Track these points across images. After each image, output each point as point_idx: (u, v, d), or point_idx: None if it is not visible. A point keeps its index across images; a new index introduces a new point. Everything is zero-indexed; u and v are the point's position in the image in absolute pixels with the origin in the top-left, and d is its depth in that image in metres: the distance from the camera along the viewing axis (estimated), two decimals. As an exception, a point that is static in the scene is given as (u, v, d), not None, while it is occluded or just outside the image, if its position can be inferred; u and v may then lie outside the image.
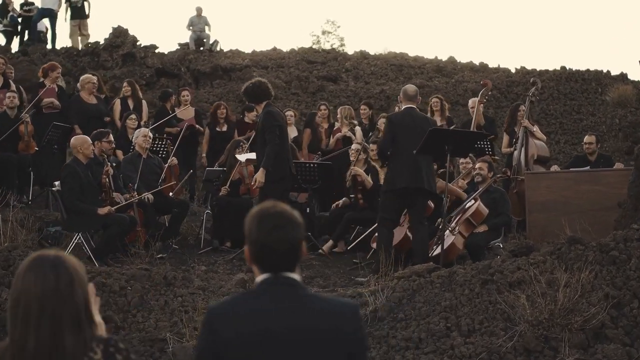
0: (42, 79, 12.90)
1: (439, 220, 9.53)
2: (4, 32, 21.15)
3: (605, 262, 7.34)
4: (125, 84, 13.85)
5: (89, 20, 21.46)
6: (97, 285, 7.90)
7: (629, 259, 7.28)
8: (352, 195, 11.21)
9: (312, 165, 11.25)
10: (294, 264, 3.07)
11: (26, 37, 21.40)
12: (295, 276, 3.08)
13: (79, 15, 21.04)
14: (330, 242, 11.27)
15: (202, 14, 23.18)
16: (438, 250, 9.35)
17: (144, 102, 13.81)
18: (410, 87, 9.90)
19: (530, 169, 11.42)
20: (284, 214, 3.06)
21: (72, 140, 10.15)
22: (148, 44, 22.00)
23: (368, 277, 8.98)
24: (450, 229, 9.66)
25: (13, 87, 12.61)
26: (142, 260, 9.51)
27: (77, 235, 9.80)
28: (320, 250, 10.91)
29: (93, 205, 9.69)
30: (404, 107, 9.75)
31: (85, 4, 21.14)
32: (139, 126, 12.00)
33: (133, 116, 12.31)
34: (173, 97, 14.78)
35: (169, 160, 11.28)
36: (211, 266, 9.98)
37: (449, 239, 9.60)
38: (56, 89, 12.75)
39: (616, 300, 6.95)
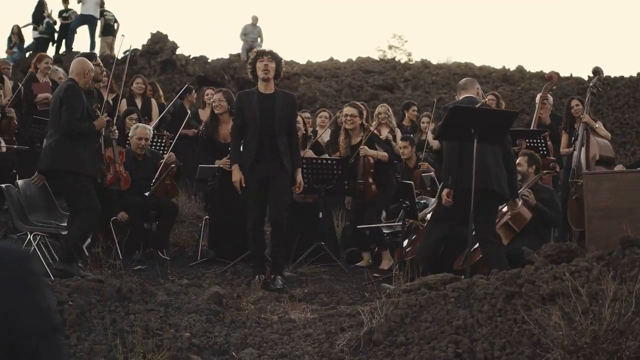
0: (34, 73, 11.53)
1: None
2: (39, 40, 20.18)
3: (670, 270, 5.48)
4: (139, 79, 12.38)
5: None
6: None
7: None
8: (361, 181, 9.51)
9: (326, 162, 9.53)
10: None
11: (63, 47, 20.40)
12: None
13: (110, 32, 20.21)
14: (367, 255, 9.80)
15: (257, 24, 22.25)
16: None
17: (154, 102, 12.31)
18: (464, 79, 8.40)
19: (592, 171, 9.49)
20: None
21: (76, 63, 8.37)
22: (197, 55, 20.84)
23: (396, 285, 7.23)
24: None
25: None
26: (115, 272, 7.96)
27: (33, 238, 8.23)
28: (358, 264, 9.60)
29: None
30: (462, 97, 8.06)
31: (116, 24, 20.68)
32: None
33: (134, 115, 10.76)
34: (194, 94, 13.33)
35: (166, 156, 9.72)
36: (196, 280, 8.34)
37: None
38: (50, 83, 11.33)
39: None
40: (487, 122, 7.40)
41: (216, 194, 9.42)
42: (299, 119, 9.98)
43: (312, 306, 7.47)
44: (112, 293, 6.80)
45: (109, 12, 20.62)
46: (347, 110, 9.73)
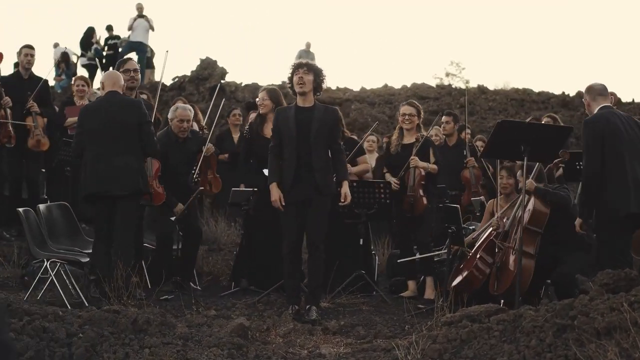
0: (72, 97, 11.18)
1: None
2: (87, 66, 20.05)
3: None
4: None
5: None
6: (35, 331, 5.86)
7: None
8: (411, 194, 8.90)
9: (369, 184, 8.95)
10: None
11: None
12: None
13: (149, 65, 20.06)
14: (412, 284, 9.12)
15: (311, 49, 21.96)
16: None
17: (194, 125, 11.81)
18: (596, 83, 7.51)
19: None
20: None
21: (114, 76, 8.14)
22: (249, 82, 20.55)
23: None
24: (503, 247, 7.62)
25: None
26: (137, 302, 7.45)
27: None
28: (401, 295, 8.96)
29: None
30: (598, 107, 7.31)
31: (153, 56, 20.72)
32: None
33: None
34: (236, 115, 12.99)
35: (204, 148, 9.08)
36: (225, 311, 7.77)
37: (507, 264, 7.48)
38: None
39: None
40: (539, 138, 6.75)
41: (251, 219, 8.85)
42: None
43: (346, 340, 6.86)
44: (127, 324, 6.27)
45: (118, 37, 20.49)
46: (405, 109, 9.19)
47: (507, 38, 49.30)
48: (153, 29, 20.72)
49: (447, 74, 30.21)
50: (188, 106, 9.33)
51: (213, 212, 12.02)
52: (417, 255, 8.92)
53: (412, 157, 8.88)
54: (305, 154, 7.57)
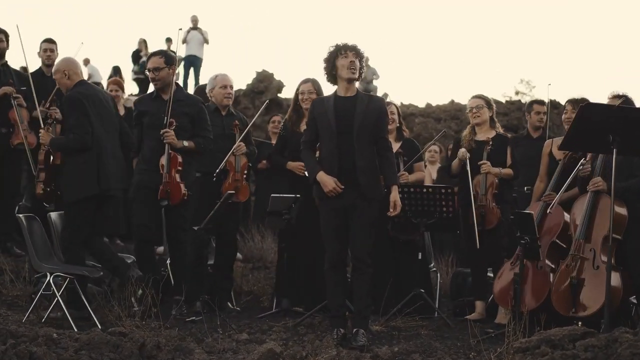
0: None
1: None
2: (137, 80, 19.35)
3: None
4: None
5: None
6: (18, 357, 4.86)
7: None
8: (482, 204, 7.80)
9: (428, 190, 7.82)
10: None
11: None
12: None
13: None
14: (481, 306, 7.94)
15: (371, 64, 20.99)
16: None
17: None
18: None
19: None
20: None
21: None
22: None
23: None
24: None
25: None
26: (158, 323, 6.43)
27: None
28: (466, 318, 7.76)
29: None
30: None
31: None
32: None
33: None
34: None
35: (233, 147, 8.02)
36: (259, 335, 6.68)
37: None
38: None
39: None
40: (633, 126, 5.55)
41: (293, 229, 7.76)
42: (392, 108, 8.31)
43: (395, 367, 5.72)
44: (132, 350, 5.27)
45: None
46: (472, 102, 8.13)
47: (579, 54, 47.76)
48: (208, 42, 20.16)
49: (517, 92, 29.09)
50: (226, 73, 8.39)
51: (259, 226, 10.95)
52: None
53: (483, 162, 7.77)
54: (347, 151, 6.47)
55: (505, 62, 46.92)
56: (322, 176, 6.45)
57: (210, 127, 7.73)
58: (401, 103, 22.39)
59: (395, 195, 6.53)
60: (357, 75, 6.54)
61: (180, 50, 19.97)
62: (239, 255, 9.83)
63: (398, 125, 8.44)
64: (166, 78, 7.57)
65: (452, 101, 23.04)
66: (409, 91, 56.48)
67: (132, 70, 19.68)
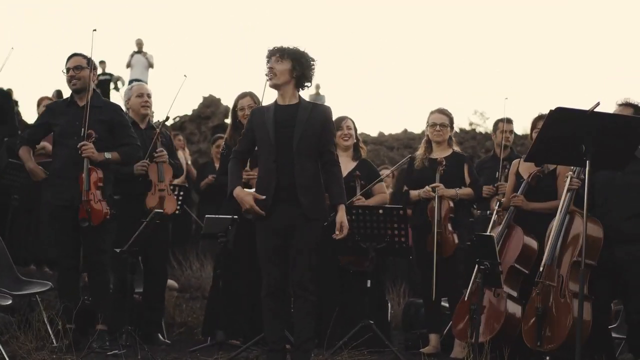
0: None
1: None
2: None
3: None
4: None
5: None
6: None
7: None
8: (439, 230, 7.14)
9: (380, 212, 7.10)
10: None
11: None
12: None
13: None
14: (435, 339, 7.27)
15: (321, 92, 20.55)
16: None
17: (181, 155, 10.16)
18: None
19: None
20: None
21: None
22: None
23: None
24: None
25: None
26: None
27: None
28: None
29: None
30: None
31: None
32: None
33: None
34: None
35: (151, 152, 7.31)
36: (187, 371, 5.93)
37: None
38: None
39: None
40: (609, 135, 4.94)
41: (229, 255, 7.04)
42: (348, 122, 7.62)
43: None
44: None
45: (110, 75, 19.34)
46: (436, 117, 7.49)
47: (528, 88, 47.89)
48: (152, 66, 19.51)
49: (471, 124, 28.88)
50: (142, 82, 7.78)
51: (198, 253, 10.19)
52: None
53: (435, 185, 7.16)
54: (286, 166, 5.75)
55: (460, 93, 46.76)
56: (238, 192, 5.73)
57: (134, 132, 7.01)
58: (314, 61, 22.05)
59: (341, 215, 5.75)
60: (278, 81, 5.81)
61: (124, 74, 19.42)
62: (174, 284, 9.12)
63: (355, 141, 7.74)
64: (86, 79, 6.85)
65: (405, 130, 22.80)
66: (362, 120, 56.23)
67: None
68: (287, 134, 5.73)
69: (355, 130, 7.71)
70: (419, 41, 43.32)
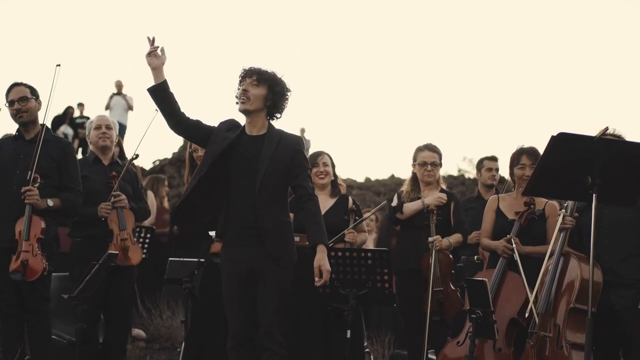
0: None
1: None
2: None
3: None
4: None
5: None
6: None
7: None
8: (440, 289, 6.57)
9: (356, 254, 6.35)
10: None
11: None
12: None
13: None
14: None
15: (306, 136, 20.29)
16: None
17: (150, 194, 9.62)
18: None
19: None
20: None
21: None
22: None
23: None
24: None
25: None
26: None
27: None
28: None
29: None
30: None
31: None
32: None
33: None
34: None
35: (110, 196, 6.64)
36: None
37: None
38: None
39: None
40: (618, 165, 4.34)
41: (197, 303, 6.38)
42: (325, 159, 6.95)
43: None
44: None
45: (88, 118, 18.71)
46: (427, 156, 6.97)
47: (518, 135, 47.74)
48: (132, 109, 19.04)
49: (459, 170, 28.51)
50: (105, 115, 7.32)
51: (169, 301, 9.46)
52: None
53: (434, 238, 6.59)
54: (251, 204, 5.16)
55: (448, 138, 46.40)
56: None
57: (79, 177, 6.38)
58: (287, 85, 21.79)
59: (320, 258, 5.04)
60: (248, 107, 5.20)
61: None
62: (142, 333, 8.41)
63: (333, 178, 7.06)
64: (33, 111, 6.25)
65: (392, 175, 22.69)
66: (348, 165, 55.71)
67: (62, 133, 18.37)
68: (252, 169, 5.14)
69: (334, 166, 7.02)
70: (407, 86, 43.05)
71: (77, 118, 18.87)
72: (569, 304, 5.25)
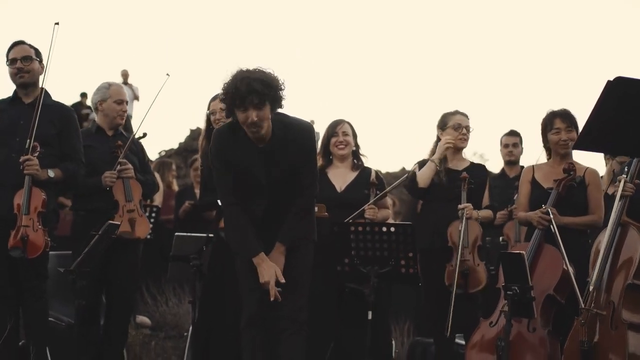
0: None
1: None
2: None
3: None
4: None
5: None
6: None
7: None
8: (466, 259, 6.11)
9: (384, 230, 5.79)
10: None
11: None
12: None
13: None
14: None
15: (315, 128, 19.66)
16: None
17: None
18: None
19: None
20: None
21: None
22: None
23: None
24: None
25: None
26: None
27: None
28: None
29: None
30: None
31: None
32: None
33: None
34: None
35: (116, 165, 6.17)
36: None
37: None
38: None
39: None
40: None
41: (205, 281, 5.92)
42: (345, 127, 6.45)
43: None
44: None
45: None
46: (462, 119, 6.49)
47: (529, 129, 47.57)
48: (138, 99, 18.71)
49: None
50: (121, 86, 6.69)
51: (175, 287, 9.02)
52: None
53: (465, 205, 6.13)
54: (267, 211, 4.92)
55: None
56: (260, 262, 4.78)
57: (81, 146, 5.93)
58: (282, 80, 21.75)
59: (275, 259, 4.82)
60: (264, 132, 4.77)
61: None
62: (147, 320, 7.95)
63: (354, 149, 6.57)
64: (35, 73, 5.80)
65: (403, 168, 22.57)
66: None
67: None
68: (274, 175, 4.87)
69: (355, 136, 6.52)
70: (418, 79, 42.95)
71: (81, 108, 18.55)
72: (626, 279, 4.75)
